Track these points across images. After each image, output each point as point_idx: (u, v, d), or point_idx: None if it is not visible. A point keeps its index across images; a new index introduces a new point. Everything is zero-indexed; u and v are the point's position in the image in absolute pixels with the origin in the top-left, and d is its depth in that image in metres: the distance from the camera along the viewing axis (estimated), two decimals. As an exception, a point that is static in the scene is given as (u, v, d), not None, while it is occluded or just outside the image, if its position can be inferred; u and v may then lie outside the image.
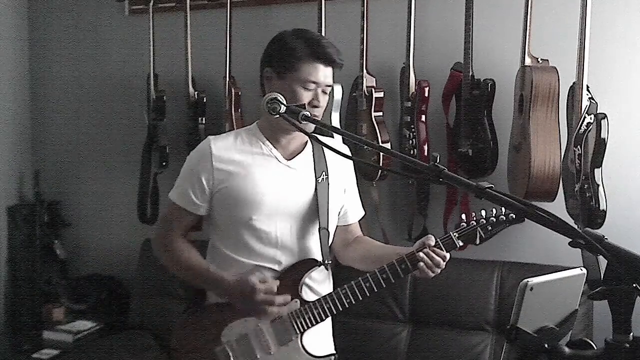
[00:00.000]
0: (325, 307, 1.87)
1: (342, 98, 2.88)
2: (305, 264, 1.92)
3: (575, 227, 1.09)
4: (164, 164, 3.21)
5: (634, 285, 1.02)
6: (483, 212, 1.85)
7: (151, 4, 3.21)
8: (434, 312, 2.65)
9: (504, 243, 2.73)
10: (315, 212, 1.92)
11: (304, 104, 1.77)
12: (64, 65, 3.62)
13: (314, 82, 1.83)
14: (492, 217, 1.84)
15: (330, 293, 1.88)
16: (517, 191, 2.55)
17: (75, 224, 3.64)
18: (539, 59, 2.52)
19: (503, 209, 1.82)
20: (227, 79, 3.06)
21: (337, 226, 2.06)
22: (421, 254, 1.80)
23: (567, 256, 2.15)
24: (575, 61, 2.37)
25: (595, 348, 1.16)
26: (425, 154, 2.75)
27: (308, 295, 1.92)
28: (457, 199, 2.82)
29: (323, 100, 1.87)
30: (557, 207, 2.43)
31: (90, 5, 3.55)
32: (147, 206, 3.31)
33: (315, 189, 1.93)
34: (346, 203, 2.07)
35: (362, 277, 1.85)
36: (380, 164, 2.77)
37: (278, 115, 1.58)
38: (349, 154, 1.91)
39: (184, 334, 1.94)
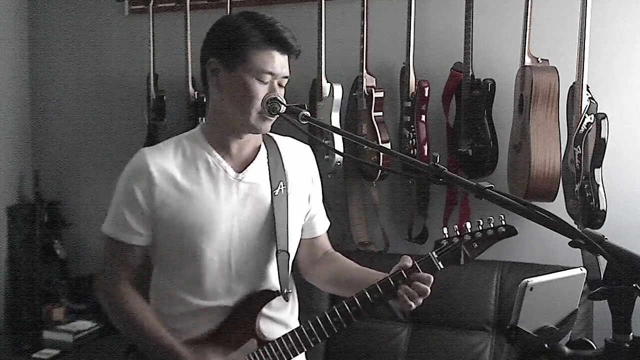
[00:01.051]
0: (288, 348, 1.62)
1: (342, 98, 2.88)
2: (261, 296, 1.66)
3: (575, 227, 1.09)
4: (164, 164, 3.21)
5: (634, 285, 1.02)
6: (468, 225, 1.59)
7: (151, 4, 3.21)
8: (434, 312, 2.65)
9: (504, 243, 2.71)
10: (272, 232, 1.65)
11: (303, 104, 1.56)
12: (64, 65, 3.62)
13: (269, 73, 1.54)
14: (478, 231, 1.58)
15: (293, 331, 1.63)
16: (517, 191, 2.55)
17: (75, 224, 3.63)
18: (539, 59, 2.52)
19: (492, 221, 1.59)
20: (227, 79, 3.05)
21: (301, 239, 1.78)
22: (400, 281, 1.56)
23: (567, 256, 2.15)
24: (575, 61, 2.37)
25: (595, 348, 1.16)
26: (425, 154, 2.74)
27: (268, 327, 1.67)
28: (457, 199, 2.82)
29: (280, 93, 1.57)
30: (557, 207, 2.43)
31: (90, 5, 3.55)
32: (147, 206, 3.30)
33: (272, 204, 1.65)
34: (311, 212, 1.79)
35: (328, 311, 1.59)
36: (380, 164, 2.77)
37: (278, 116, 1.52)
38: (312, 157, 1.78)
39: None
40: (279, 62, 1.55)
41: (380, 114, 2.83)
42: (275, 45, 1.55)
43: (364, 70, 2.81)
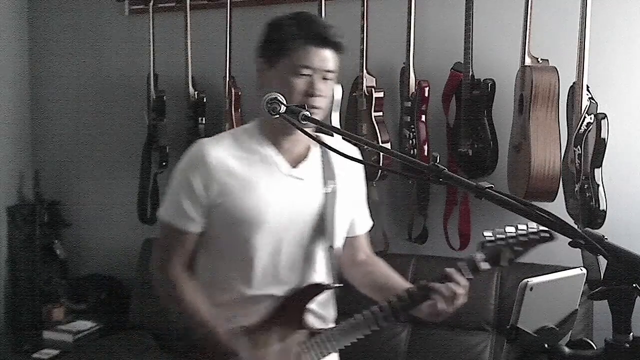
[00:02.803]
0: (334, 341, 1.66)
1: (342, 98, 2.88)
2: (312, 290, 1.69)
3: (575, 227, 1.09)
4: (164, 164, 3.21)
5: (634, 285, 1.02)
6: (512, 229, 1.59)
7: (151, 4, 3.22)
8: (434, 312, 2.65)
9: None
10: (322, 228, 1.69)
11: (303, 104, 1.52)
12: (64, 65, 3.62)
13: (307, 67, 1.57)
14: (522, 235, 1.58)
15: (342, 324, 1.67)
16: (517, 191, 2.55)
17: (75, 224, 3.63)
18: (539, 59, 2.53)
19: (535, 225, 1.56)
20: (227, 79, 3.06)
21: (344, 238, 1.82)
22: (433, 283, 1.59)
23: (567, 256, 2.15)
24: (575, 61, 2.37)
25: (595, 348, 1.16)
26: (425, 154, 2.74)
27: (310, 321, 1.70)
28: (457, 199, 2.82)
29: (325, 88, 1.61)
30: (557, 207, 2.43)
31: (90, 5, 3.55)
32: (147, 206, 3.31)
33: (322, 201, 1.69)
34: (355, 211, 1.85)
35: (378, 305, 1.64)
36: (380, 164, 2.77)
37: (278, 116, 1.50)
38: (359, 156, 1.79)
39: None
40: (318, 57, 1.58)
41: (380, 114, 2.83)
42: (313, 39, 1.58)
43: (364, 70, 2.81)
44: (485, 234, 1.61)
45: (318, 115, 1.61)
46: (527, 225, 1.59)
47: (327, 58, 1.60)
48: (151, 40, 3.21)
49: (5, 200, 3.54)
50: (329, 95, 1.66)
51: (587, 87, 2.36)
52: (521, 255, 1.62)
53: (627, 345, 1.05)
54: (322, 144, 1.57)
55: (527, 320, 1.14)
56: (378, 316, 1.63)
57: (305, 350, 1.65)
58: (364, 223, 1.90)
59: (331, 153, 1.72)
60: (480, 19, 2.63)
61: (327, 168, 1.72)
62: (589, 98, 2.36)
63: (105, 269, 3.53)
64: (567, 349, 1.16)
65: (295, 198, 1.67)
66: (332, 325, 1.76)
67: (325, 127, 1.53)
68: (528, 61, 2.52)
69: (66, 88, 3.64)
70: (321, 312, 1.75)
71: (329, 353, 1.68)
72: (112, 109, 3.54)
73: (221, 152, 1.64)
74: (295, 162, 1.69)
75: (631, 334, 1.06)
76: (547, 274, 1.19)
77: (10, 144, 3.59)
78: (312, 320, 1.71)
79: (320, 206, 1.69)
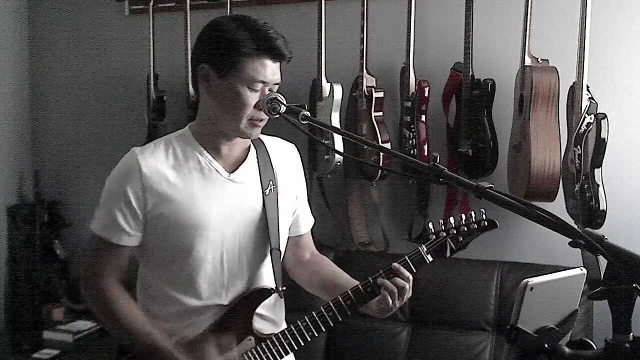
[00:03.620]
0: (285, 344, 1.65)
1: (342, 98, 2.88)
2: (258, 295, 1.68)
3: (575, 227, 1.09)
4: (164, 164, 3.21)
5: (634, 285, 1.02)
6: (452, 220, 1.69)
7: (151, 4, 3.21)
8: (433, 312, 2.65)
9: (504, 243, 2.73)
10: (265, 231, 1.67)
11: (303, 104, 1.53)
12: (64, 65, 3.62)
13: (261, 82, 1.54)
14: (463, 225, 1.68)
15: (290, 327, 1.66)
16: (517, 191, 2.55)
17: (75, 224, 3.63)
18: (539, 59, 2.52)
19: (473, 214, 1.69)
20: (227, 79, 3.05)
21: (287, 238, 1.80)
22: (381, 279, 1.62)
23: (567, 256, 2.15)
24: (575, 61, 2.37)
25: (595, 348, 1.16)
26: (425, 154, 2.74)
27: (259, 325, 1.69)
28: (457, 199, 2.82)
29: None
30: (557, 207, 2.43)
31: (90, 5, 3.55)
32: (147, 206, 3.30)
33: (263, 203, 1.67)
34: (297, 210, 1.81)
35: (324, 305, 1.66)
36: (380, 164, 2.77)
37: (278, 116, 1.51)
38: (296, 154, 1.80)
39: None
40: (271, 70, 1.55)
41: (380, 114, 2.83)
42: (267, 53, 1.54)
43: (364, 70, 2.81)
44: (429, 226, 1.68)
45: (262, 127, 1.61)
46: (468, 215, 1.68)
47: (278, 71, 1.58)
48: (151, 40, 3.21)
49: (5, 200, 3.54)
50: None
51: (587, 87, 2.36)
52: (464, 246, 1.69)
53: (627, 345, 1.05)
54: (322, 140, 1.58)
55: (527, 320, 1.14)
56: (326, 316, 1.65)
57: (256, 356, 1.64)
58: (307, 221, 1.87)
59: (271, 152, 1.71)
60: (480, 19, 2.63)
61: (266, 169, 1.69)
62: (589, 98, 2.36)
63: (105, 269, 3.52)
64: (567, 349, 1.16)
65: (236, 202, 1.64)
66: (283, 327, 1.74)
67: (325, 127, 1.53)
68: (528, 61, 2.52)
69: (66, 88, 3.64)
70: (270, 315, 1.73)
71: (282, 356, 1.67)
72: (112, 109, 3.54)
73: (156, 161, 1.59)
74: (233, 166, 1.66)
75: (631, 334, 1.06)
76: (547, 274, 1.19)
77: (10, 144, 3.59)
78: (261, 325, 1.69)
79: (261, 209, 1.66)
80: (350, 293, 1.65)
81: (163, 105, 3.22)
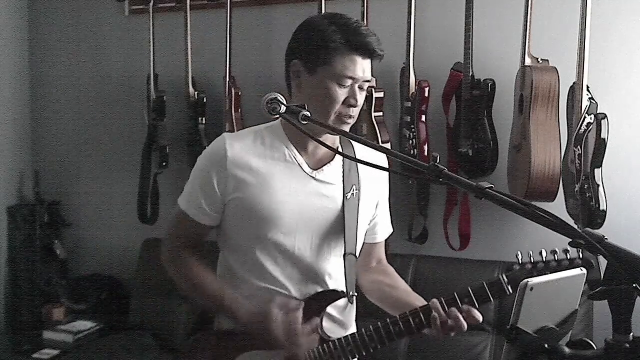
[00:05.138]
0: (347, 350, 1.62)
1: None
2: (328, 295, 1.67)
3: (575, 227, 1.09)
4: (164, 164, 3.21)
5: (634, 285, 1.02)
6: (544, 253, 1.56)
7: (151, 4, 3.21)
8: (434, 312, 2.65)
9: (504, 243, 2.73)
10: (340, 234, 1.67)
11: (303, 104, 1.48)
12: (64, 65, 3.62)
13: (350, 78, 1.56)
14: (554, 261, 1.54)
15: (354, 334, 1.64)
16: (517, 191, 2.55)
17: (75, 224, 3.63)
18: (539, 59, 2.53)
19: (568, 251, 1.54)
20: (227, 79, 3.06)
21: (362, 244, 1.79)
22: (435, 313, 1.56)
23: (567, 256, 2.15)
24: (575, 61, 2.37)
25: (595, 348, 1.16)
26: (425, 154, 2.74)
27: (329, 326, 1.68)
28: (457, 199, 2.83)
29: (360, 98, 1.60)
30: (557, 207, 2.43)
31: (90, 5, 3.55)
32: (147, 206, 3.31)
33: (343, 207, 1.66)
34: (377, 218, 1.81)
35: (390, 319, 1.61)
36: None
37: (277, 116, 1.48)
38: (386, 163, 1.76)
39: None
40: (361, 67, 1.57)
41: (380, 114, 2.83)
42: (358, 50, 1.56)
43: (364, 70, 2.81)
44: (517, 255, 1.56)
45: (351, 124, 1.63)
46: (561, 251, 1.55)
47: (368, 68, 1.59)
48: (151, 40, 3.21)
49: (5, 200, 3.54)
50: (362, 104, 1.64)
51: (587, 87, 2.36)
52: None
53: (627, 345, 1.05)
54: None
55: (527, 320, 1.14)
56: (377, 336, 1.61)
57: (316, 356, 1.63)
58: (384, 230, 1.86)
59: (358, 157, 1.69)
60: (480, 19, 2.63)
61: (350, 173, 1.69)
62: (589, 98, 2.36)
63: (105, 269, 3.53)
64: (567, 349, 1.16)
65: (314, 200, 1.65)
66: (352, 329, 1.74)
67: (325, 127, 1.53)
68: (528, 61, 2.52)
69: (66, 88, 3.64)
70: (341, 318, 1.73)
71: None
72: (112, 109, 3.54)
73: (242, 147, 1.63)
74: (318, 164, 1.67)
75: (631, 334, 1.06)
76: (547, 274, 1.19)
77: (10, 144, 3.59)
78: (332, 326, 1.69)
79: (340, 211, 1.66)
80: (419, 311, 1.60)
81: (163, 105, 3.22)
